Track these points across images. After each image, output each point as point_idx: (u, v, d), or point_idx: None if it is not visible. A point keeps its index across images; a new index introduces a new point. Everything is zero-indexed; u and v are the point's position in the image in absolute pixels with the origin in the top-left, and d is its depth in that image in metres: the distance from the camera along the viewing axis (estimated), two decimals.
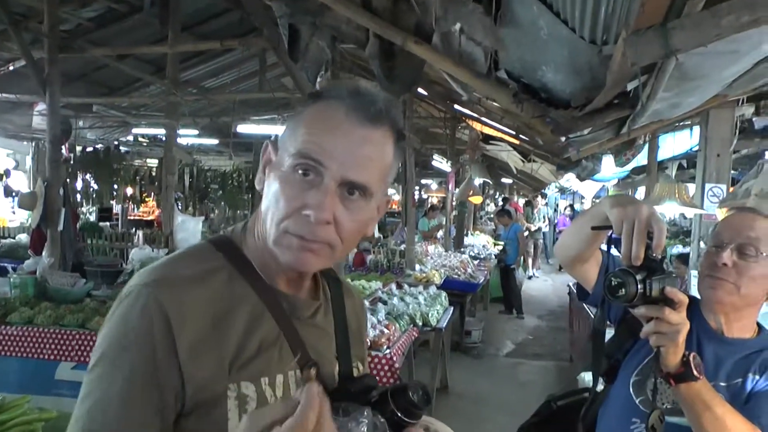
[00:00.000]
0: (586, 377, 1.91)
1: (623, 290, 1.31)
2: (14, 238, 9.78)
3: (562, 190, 17.30)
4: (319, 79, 4.36)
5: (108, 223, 12.43)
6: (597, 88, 2.38)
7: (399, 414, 0.96)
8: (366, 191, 1.00)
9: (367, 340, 1.34)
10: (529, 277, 14.84)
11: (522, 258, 12.64)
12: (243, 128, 10.15)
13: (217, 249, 1.09)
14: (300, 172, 0.98)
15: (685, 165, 8.61)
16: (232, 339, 1.00)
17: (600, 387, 1.81)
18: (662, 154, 7.01)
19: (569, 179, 10.98)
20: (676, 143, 6.64)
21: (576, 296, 1.89)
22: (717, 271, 1.66)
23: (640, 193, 9.70)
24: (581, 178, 8.19)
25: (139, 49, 7.02)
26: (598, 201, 1.60)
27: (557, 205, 21.38)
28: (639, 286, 1.31)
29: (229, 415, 0.97)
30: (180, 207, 12.59)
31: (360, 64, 6.94)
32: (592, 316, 1.99)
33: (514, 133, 8.03)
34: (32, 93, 7.55)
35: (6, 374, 4.53)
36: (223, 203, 14.55)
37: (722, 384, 1.62)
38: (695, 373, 1.41)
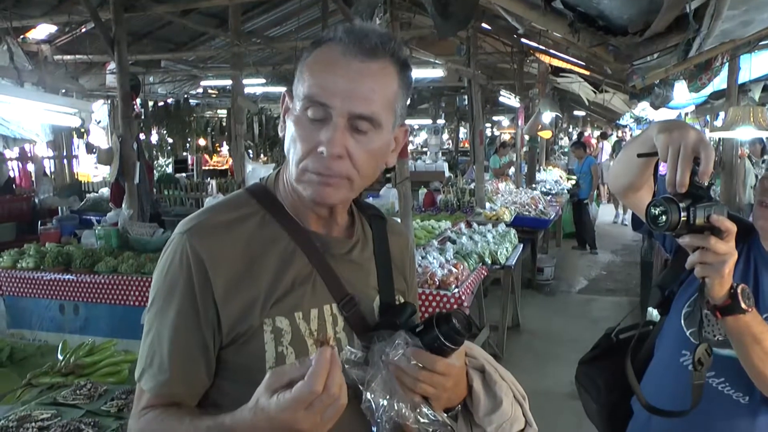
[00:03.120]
0: (654, 312, 1.87)
1: (665, 218, 1.23)
2: (97, 192, 10.30)
3: (638, 120, 16.52)
4: (378, 22, 4.31)
5: (184, 174, 12.85)
6: (655, 12, 2.26)
7: (442, 339, 1.03)
8: (374, 122, 1.05)
9: (416, 275, 1.38)
10: (624, 224, 13.11)
11: (596, 192, 12.18)
12: None
13: (251, 196, 1.16)
14: (309, 114, 1.03)
15: None
16: (264, 278, 1.08)
17: (655, 319, 1.78)
18: (744, 77, 6.56)
19: (644, 108, 10.47)
20: (758, 64, 6.20)
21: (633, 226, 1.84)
22: None
23: (720, 119, 9.19)
24: (655, 107, 7.80)
25: (201, 3, 7.11)
26: (647, 126, 1.52)
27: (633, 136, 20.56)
28: (682, 214, 1.23)
29: (266, 347, 1.06)
30: (251, 155, 12.87)
31: (419, 2, 6.78)
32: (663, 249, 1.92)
33: (583, 63, 7.74)
34: (103, 53, 7.79)
35: (97, 320, 4.85)
36: None
37: None
38: (743, 305, 1.34)
